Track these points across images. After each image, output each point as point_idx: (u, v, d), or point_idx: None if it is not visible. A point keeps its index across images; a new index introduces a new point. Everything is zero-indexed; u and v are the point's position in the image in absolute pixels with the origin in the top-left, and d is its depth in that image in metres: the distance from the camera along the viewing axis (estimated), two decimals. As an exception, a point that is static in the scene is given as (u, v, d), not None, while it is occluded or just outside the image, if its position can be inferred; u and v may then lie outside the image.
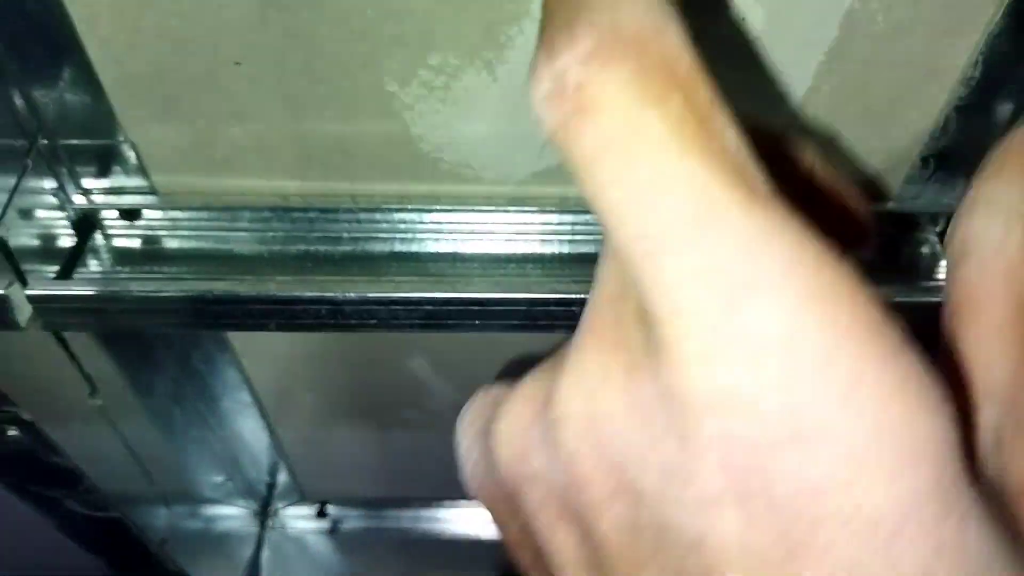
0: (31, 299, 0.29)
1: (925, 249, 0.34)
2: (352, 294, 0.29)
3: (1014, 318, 0.17)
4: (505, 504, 0.19)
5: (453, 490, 0.60)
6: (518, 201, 0.32)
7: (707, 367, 0.14)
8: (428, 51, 0.27)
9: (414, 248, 0.33)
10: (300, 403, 0.48)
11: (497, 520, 0.21)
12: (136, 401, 0.40)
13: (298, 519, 0.61)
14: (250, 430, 0.50)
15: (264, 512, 0.59)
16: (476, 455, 0.20)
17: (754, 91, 0.28)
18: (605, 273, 0.18)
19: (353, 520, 0.61)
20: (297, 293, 0.29)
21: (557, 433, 0.17)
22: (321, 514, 0.61)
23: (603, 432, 0.16)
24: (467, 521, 0.63)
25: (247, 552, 0.57)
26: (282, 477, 0.57)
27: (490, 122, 0.29)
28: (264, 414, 0.48)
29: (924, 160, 0.31)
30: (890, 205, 0.32)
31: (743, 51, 0.27)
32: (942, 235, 0.33)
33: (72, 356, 0.32)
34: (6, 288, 0.29)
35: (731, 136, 0.14)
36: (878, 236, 0.24)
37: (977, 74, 0.28)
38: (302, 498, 0.59)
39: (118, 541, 0.34)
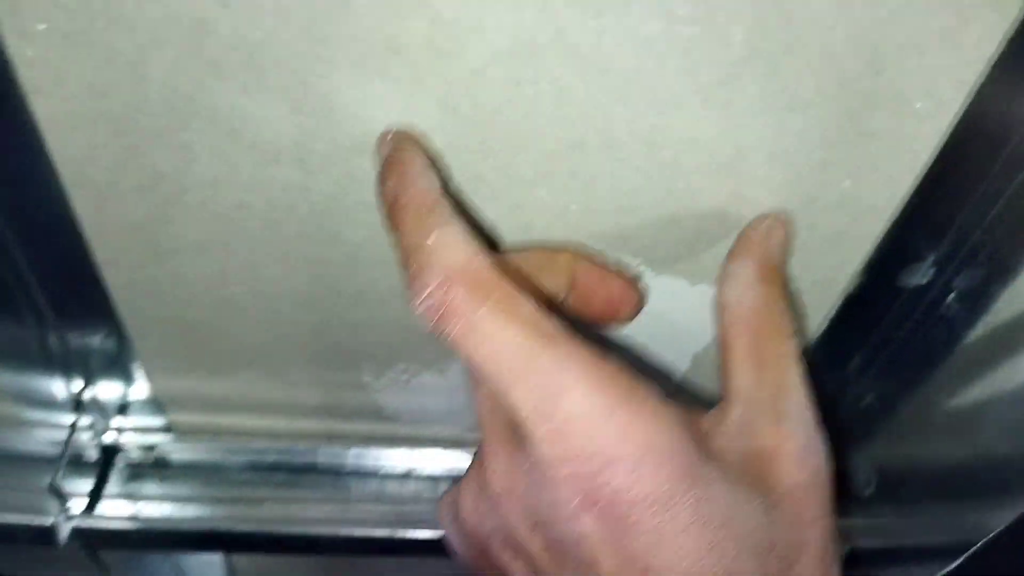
0: (73, 530, 0.37)
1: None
2: (325, 532, 0.38)
3: (750, 349, 0.27)
4: (480, 556, 0.28)
5: None
6: (462, 442, 0.41)
7: (552, 441, 0.23)
8: (396, 361, 0.36)
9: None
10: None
11: (478, 569, 0.29)
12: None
13: None
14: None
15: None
16: (452, 530, 0.29)
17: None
18: (480, 397, 0.27)
19: None
20: (283, 531, 0.37)
21: (492, 503, 0.26)
22: None
23: (515, 495, 0.25)
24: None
25: None
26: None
27: (443, 403, 0.38)
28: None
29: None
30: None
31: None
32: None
33: (102, 566, 0.40)
34: (55, 518, 0.36)
35: (528, 304, 0.23)
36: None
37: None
38: None
39: None
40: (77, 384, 0.37)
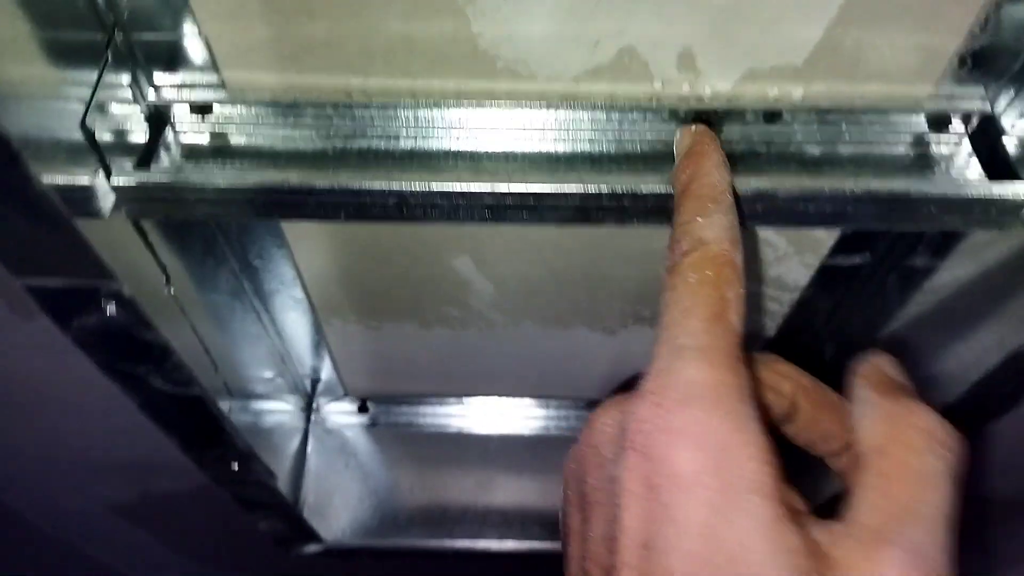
0: (115, 189, 0.31)
1: (955, 149, 0.35)
2: (417, 187, 0.31)
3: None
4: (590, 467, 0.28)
5: (486, 386, 0.63)
6: (570, 99, 0.33)
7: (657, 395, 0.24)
8: (495, -51, 0.28)
9: (470, 147, 0.35)
10: (347, 300, 0.51)
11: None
12: (200, 296, 0.42)
13: (340, 414, 0.64)
14: (300, 328, 0.52)
15: (309, 407, 0.63)
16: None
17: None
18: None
19: (391, 415, 0.65)
20: (367, 186, 0.31)
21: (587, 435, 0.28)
22: (362, 409, 0.64)
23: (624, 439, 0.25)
24: (496, 417, 0.66)
25: (294, 444, 0.61)
26: (326, 374, 0.60)
27: (546, 21, 0.30)
28: (313, 312, 0.51)
29: (961, 60, 0.32)
30: (926, 103, 0.33)
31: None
32: (972, 136, 0.35)
33: (150, 246, 0.34)
34: (93, 178, 0.31)
35: (733, 318, 0.26)
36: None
37: (1020, -27, 0.29)
38: (344, 394, 0.62)
39: (193, 419, 0.37)
40: (112, 30, 0.31)
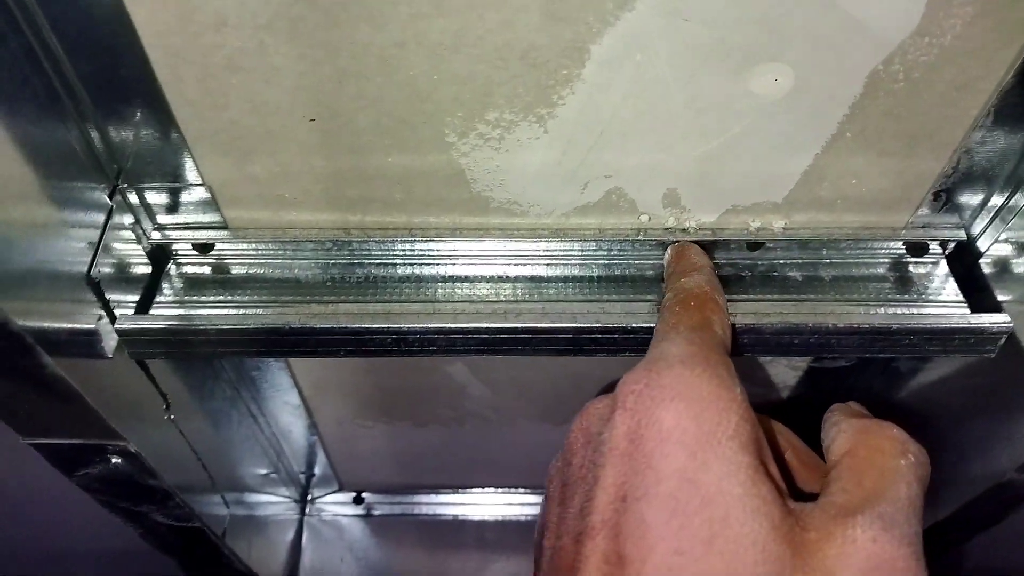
0: (118, 332, 0.32)
1: (932, 270, 0.36)
2: (415, 325, 0.32)
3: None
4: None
5: (478, 478, 0.63)
6: (560, 232, 0.35)
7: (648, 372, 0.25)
8: (486, 109, 0.29)
9: (464, 272, 0.36)
10: (342, 403, 0.51)
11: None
12: (197, 407, 0.43)
13: (336, 505, 0.64)
14: (295, 427, 0.53)
15: (304, 500, 0.63)
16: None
17: (781, 134, 0.30)
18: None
19: (386, 506, 0.65)
20: (365, 325, 0.32)
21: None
22: (357, 500, 0.64)
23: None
24: (490, 506, 0.66)
25: (289, 536, 0.61)
26: (321, 469, 0.60)
27: (538, 166, 0.32)
28: (309, 413, 0.52)
29: (936, 195, 0.33)
30: (903, 232, 0.35)
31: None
32: (949, 258, 0.36)
33: (152, 379, 0.35)
34: (96, 323, 0.31)
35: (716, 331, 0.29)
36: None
37: (988, 122, 0.30)
38: (340, 487, 0.63)
39: (192, 544, 0.37)
40: (116, 179, 0.32)
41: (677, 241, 0.35)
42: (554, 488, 0.28)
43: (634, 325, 0.32)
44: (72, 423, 0.28)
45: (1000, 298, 0.35)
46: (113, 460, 0.29)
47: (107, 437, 0.29)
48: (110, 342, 0.32)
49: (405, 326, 0.32)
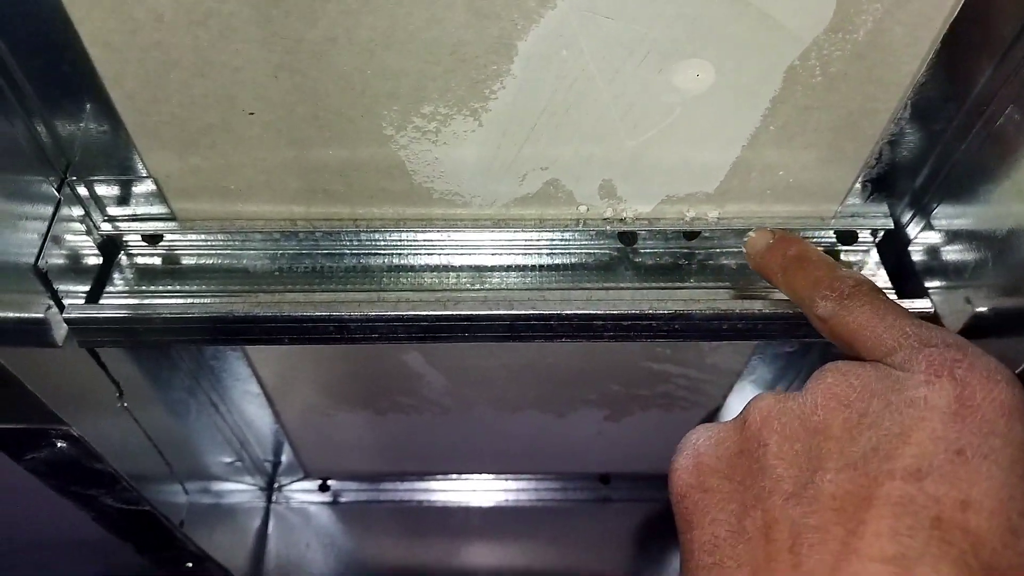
0: (67, 321, 0.33)
1: (864, 258, 0.38)
2: (356, 314, 0.33)
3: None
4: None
5: (443, 464, 0.64)
6: (502, 222, 0.36)
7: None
8: (421, 103, 0.30)
9: (409, 262, 0.37)
10: (303, 391, 0.52)
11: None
12: (155, 395, 0.44)
13: (302, 493, 0.65)
14: (257, 416, 0.54)
15: (270, 488, 0.64)
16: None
17: (709, 126, 0.31)
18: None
19: (352, 493, 0.66)
20: (308, 313, 0.33)
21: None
22: (323, 488, 0.65)
23: None
24: (454, 491, 0.67)
25: (255, 524, 0.62)
26: (286, 457, 0.61)
27: (476, 158, 0.32)
28: (270, 401, 0.52)
29: (863, 184, 0.35)
30: (833, 222, 0.36)
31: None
32: (879, 246, 0.37)
33: (103, 366, 0.35)
34: (45, 312, 0.32)
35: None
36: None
37: (906, 114, 0.31)
38: (305, 475, 0.64)
39: (145, 528, 0.38)
40: (64, 171, 0.33)
41: (615, 237, 0.36)
42: (777, 432, 0.27)
43: (568, 312, 0.33)
44: (15, 409, 0.29)
45: (927, 284, 0.36)
46: (58, 444, 0.30)
47: (50, 422, 0.29)
48: (59, 331, 0.33)
49: (346, 314, 0.33)
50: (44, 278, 0.32)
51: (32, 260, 0.31)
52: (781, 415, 0.27)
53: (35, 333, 0.32)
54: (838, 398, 0.27)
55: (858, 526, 0.23)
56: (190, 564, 0.43)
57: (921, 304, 0.34)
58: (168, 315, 0.33)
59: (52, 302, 0.32)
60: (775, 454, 0.27)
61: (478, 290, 0.35)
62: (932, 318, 0.34)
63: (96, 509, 0.35)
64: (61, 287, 0.33)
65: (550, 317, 0.34)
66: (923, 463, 0.24)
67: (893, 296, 0.36)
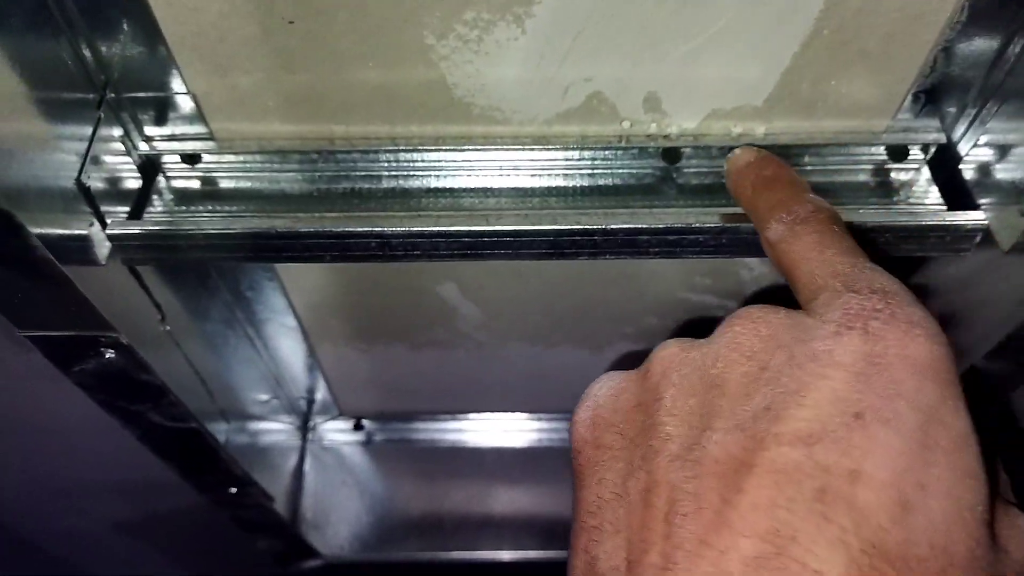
0: (110, 238, 0.33)
1: (915, 176, 0.37)
2: (398, 228, 0.33)
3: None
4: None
5: (477, 403, 0.65)
6: (543, 140, 0.35)
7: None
8: (463, 8, 0.29)
9: (449, 183, 0.36)
10: (338, 326, 0.52)
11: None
12: (194, 326, 0.44)
13: (336, 432, 0.66)
14: (293, 352, 0.54)
15: (305, 427, 0.64)
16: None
17: (759, 32, 0.30)
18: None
19: (386, 432, 0.66)
20: (350, 228, 0.32)
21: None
22: (357, 427, 0.65)
23: None
24: (489, 431, 0.67)
25: (291, 463, 0.62)
26: (321, 395, 0.61)
27: (518, 70, 0.32)
28: (306, 337, 0.53)
29: (915, 96, 0.34)
30: (884, 136, 0.35)
31: None
32: (930, 163, 0.36)
33: (145, 288, 0.36)
34: (88, 228, 0.32)
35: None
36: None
37: (963, 18, 0.30)
38: (339, 414, 0.64)
39: (190, 449, 0.38)
40: (103, 89, 0.33)
41: (660, 155, 0.35)
42: (674, 386, 0.25)
43: (613, 226, 0.33)
44: (65, 316, 0.29)
45: (980, 201, 0.35)
46: (106, 354, 0.30)
47: (99, 328, 0.29)
48: (103, 248, 0.33)
49: (388, 229, 0.32)
50: (87, 194, 0.32)
51: (74, 177, 0.31)
52: (682, 366, 0.25)
53: (80, 250, 0.32)
54: (741, 349, 0.24)
55: (735, 495, 0.21)
56: (234, 489, 0.44)
57: (974, 216, 0.33)
58: (211, 231, 0.32)
59: (95, 219, 0.32)
60: (667, 410, 0.25)
61: (520, 207, 0.35)
62: (985, 232, 0.34)
63: (142, 426, 0.35)
64: (103, 208, 0.33)
65: (594, 232, 0.33)
66: (815, 427, 0.22)
67: (940, 208, 0.35)
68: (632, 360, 0.29)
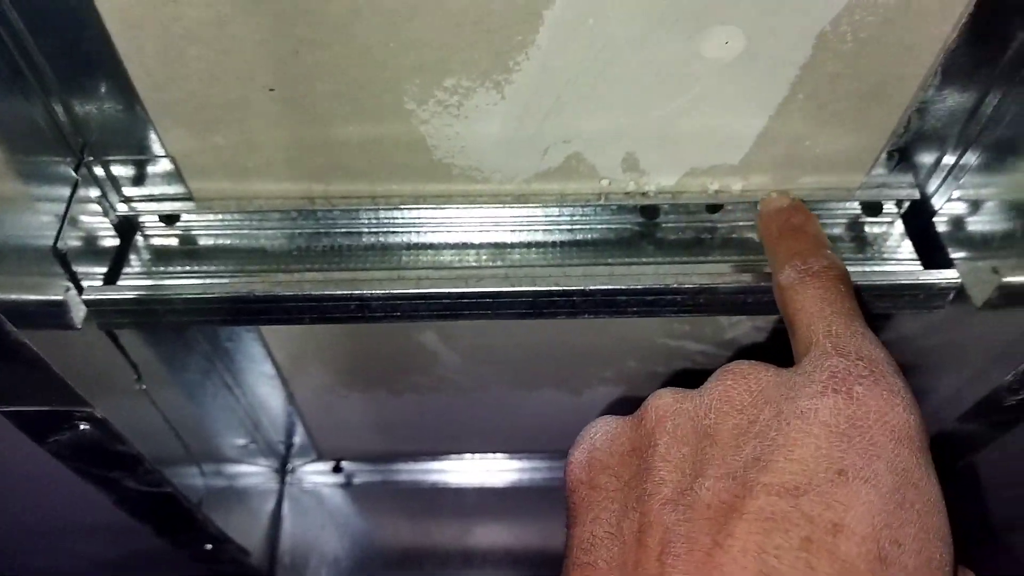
0: (86, 303, 0.33)
1: (888, 229, 0.37)
2: (378, 292, 0.33)
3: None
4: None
5: (458, 444, 0.64)
6: (523, 198, 0.35)
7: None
8: (444, 76, 0.29)
9: (429, 239, 0.36)
10: (317, 373, 0.52)
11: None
12: (171, 378, 0.43)
13: (315, 475, 0.65)
14: (271, 398, 0.53)
15: (284, 470, 0.64)
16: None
17: (736, 96, 0.31)
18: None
19: (365, 474, 0.66)
20: (329, 292, 0.32)
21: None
22: (336, 469, 0.65)
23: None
24: (469, 473, 0.67)
25: (269, 506, 0.62)
26: (299, 438, 0.61)
27: (498, 132, 0.32)
28: (285, 384, 0.52)
29: (890, 154, 0.34)
30: (858, 192, 0.36)
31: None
32: (904, 217, 0.37)
33: (121, 348, 0.35)
34: (64, 294, 0.32)
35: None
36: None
37: (937, 81, 0.31)
38: (318, 456, 0.64)
39: (165, 510, 0.38)
40: (80, 152, 0.32)
41: (637, 211, 0.35)
42: (668, 434, 0.27)
43: (591, 287, 0.33)
44: (39, 391, 0.29)
45: (953, 256, 0.36)
46: (81, 426, 0.29)
47: (73, 403, 0.29)
48: (79, 312, 0.33)
49: (368, 292, 0.32)
50: (63, 260, 0.31)
51: (51, 242, 0.31)
52: (676, 416, 0.27)
53: (55, 315, 0.32)
54: (732, 402, 0.26)
55: (726, 539, 0.22)
56: (209, 546, 0.43)
57: (947, 275, 0.34)
58: (188, 295, 0.32)
59: (71, 284, 0.32)
60: (662, 456, 0.26)
61: (499, 267, 0.35)
62: (959, 289, 0.34)
63: (118, 492, 0.35)
64: (79, 269, 0.33)
65: (573, 293, 0.33)
66: (801, 479, 0.23)
67: (916, 266, 0.35)
68: (620, 407, 0.29)
